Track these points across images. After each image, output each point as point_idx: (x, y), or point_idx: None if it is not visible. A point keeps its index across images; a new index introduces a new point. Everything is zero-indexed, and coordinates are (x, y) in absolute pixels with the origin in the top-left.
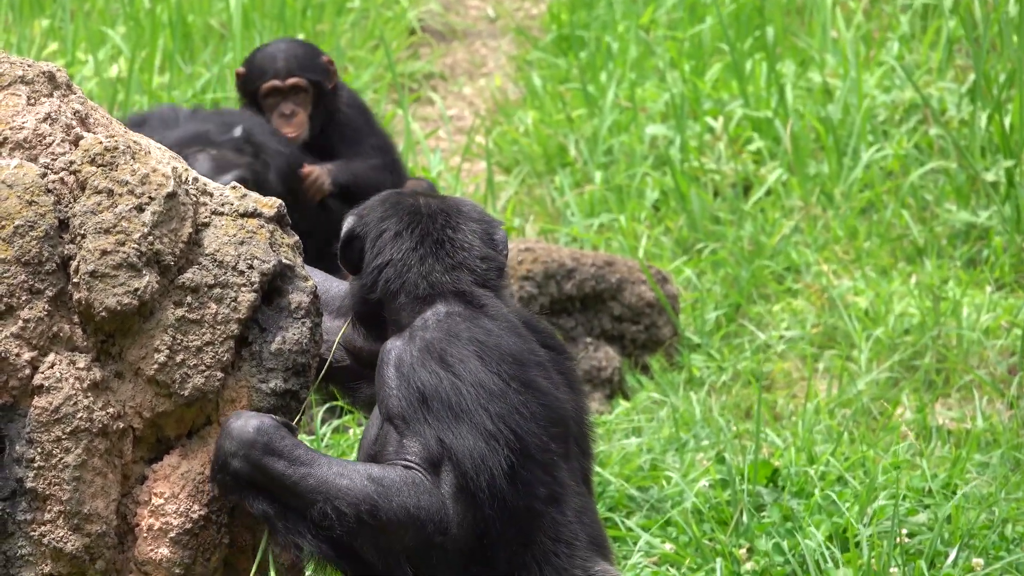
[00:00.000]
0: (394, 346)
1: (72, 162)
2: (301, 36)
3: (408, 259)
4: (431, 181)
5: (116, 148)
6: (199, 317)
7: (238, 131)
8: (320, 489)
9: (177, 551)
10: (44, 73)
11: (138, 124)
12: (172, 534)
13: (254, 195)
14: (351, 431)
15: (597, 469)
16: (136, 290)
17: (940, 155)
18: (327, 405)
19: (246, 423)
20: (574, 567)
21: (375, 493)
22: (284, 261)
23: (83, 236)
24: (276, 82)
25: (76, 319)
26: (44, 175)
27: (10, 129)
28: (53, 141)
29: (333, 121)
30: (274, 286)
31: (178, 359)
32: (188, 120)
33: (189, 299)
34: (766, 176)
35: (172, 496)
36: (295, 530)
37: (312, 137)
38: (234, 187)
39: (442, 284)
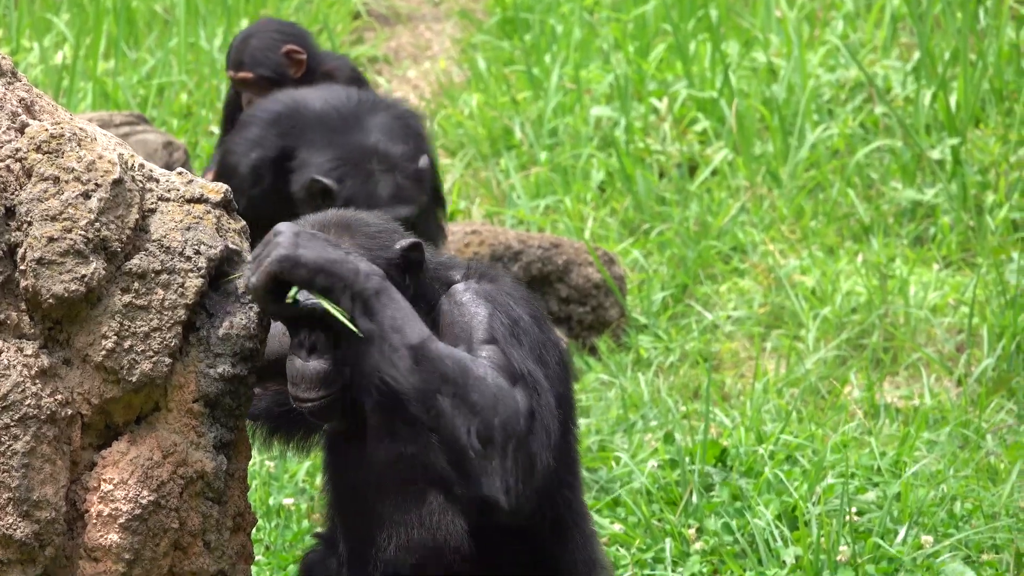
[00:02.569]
0: (470, 287)
1: (18, 149)
2: (245, 22)
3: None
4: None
5: (62, 135)
6: (146, 303)
7: (424, 161)
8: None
9: (126, 537)
10: None
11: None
12: (121, 520)
13: (200, 180)
14: None
15: None
16: (83, 277)
17: (885, 133)
18: None
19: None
20: (589, 526)
21: (470, 362)
22: (231, 246)
23: (29, 223)
24: (230, 72)
25: (23, 306)
26: None
27: None
28: None
29: None
30: (221, 271)
31: (126, 345)
32: (371, 113)
33: (136, 285)
34: (712, 156)
35: (121, 482)
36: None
37: None
38: (180, 173)
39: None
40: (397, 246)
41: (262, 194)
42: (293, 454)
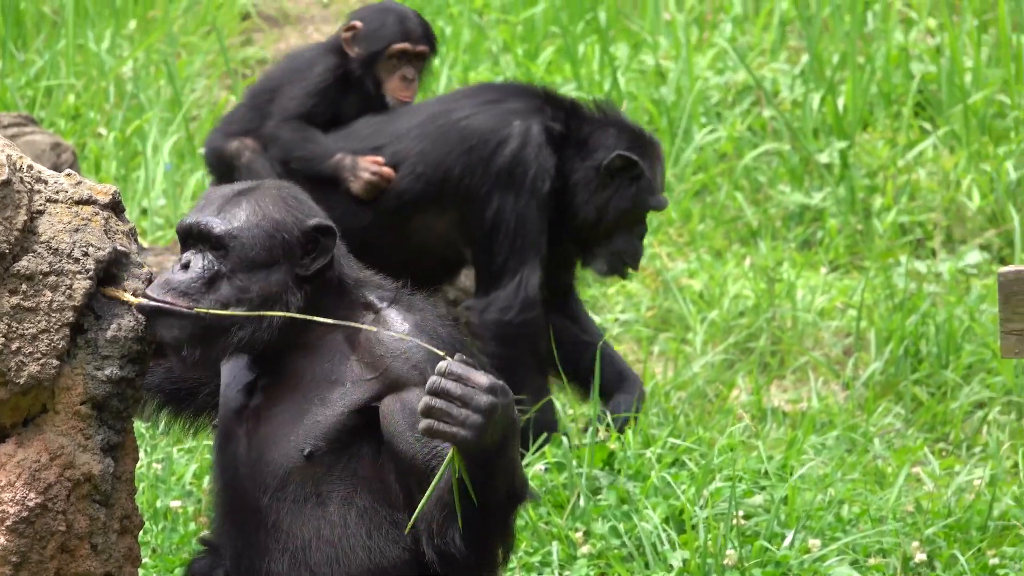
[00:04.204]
0: (405, 316)
1: None
2: (133, 23)
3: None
4: None
5: None
6: (34, 305)
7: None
8: None
9: (13, 539)
10: None
11: None
12: (8, 523)
13: (89, 182)
14: None
15: None
16: None
17: (773, 137)
18: None
19: None
20: None
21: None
22: (119, 248)
23: None
24: (407, 45)
25: None
26: None
27: None
28: None
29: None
30: (109, 273)
31: (13, 347)
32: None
33: (24, 287)
34: None
35: (8, 485)
36: None
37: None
38: (69, 174)
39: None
40: (313, 221)
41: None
42: (179, 430)
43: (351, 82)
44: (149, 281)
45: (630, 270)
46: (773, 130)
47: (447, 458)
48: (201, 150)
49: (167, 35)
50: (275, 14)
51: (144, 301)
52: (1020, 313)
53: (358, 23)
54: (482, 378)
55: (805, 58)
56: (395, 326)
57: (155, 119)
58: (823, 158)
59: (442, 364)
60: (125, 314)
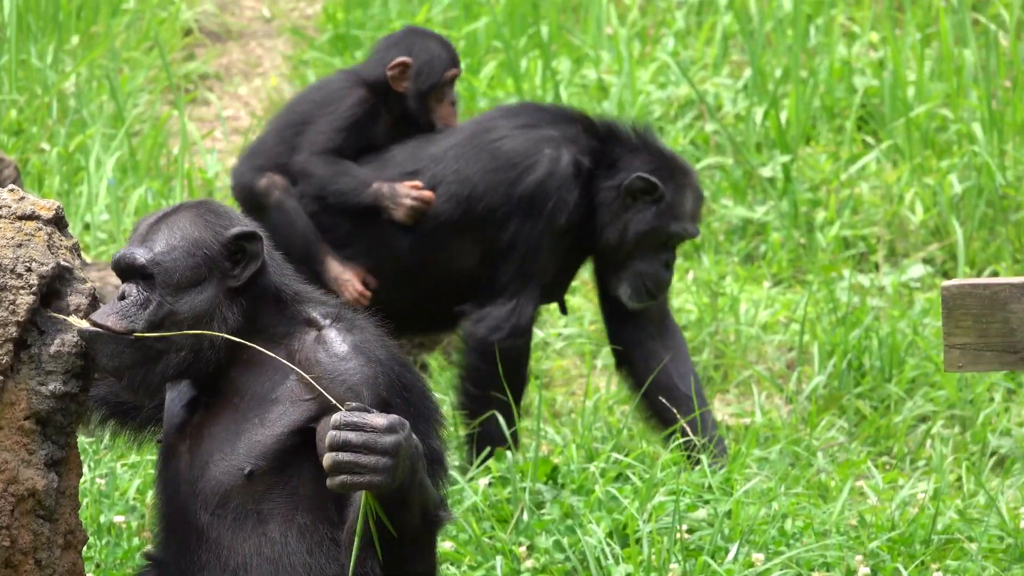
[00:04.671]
0: (345, 337)
1: None
2: (76, 39)
3: None
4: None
5: None
6: None
7: None
8: None
9: None
10: None
11: None
12: None
13: (32, 197)
14: None
15: None
16: None
17: (716, 151)
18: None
19: None
20: None
21: None
22: (62, 263)
23: None
24: (456, 70)
25: None
26: None
27: None
28: None
29: None
30: (52, 288)
31: None
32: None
33: None
34: None
35: None
36: None
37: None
38: (12, 190)
39: None
40: (233, 230)
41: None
42: (123, 443)
43: (379, 112)
44: (92, 296)
45: (654, 295)
46: (716, 144)
47: (361, 502)
48: (228, 181)
49: (109, 50)
50: (217, 29)
51: (85, 325)
52: (963, 327)
53: (407, 59)
54: (379, 419)
55: (748, 72)
56: (334, 346)
57: (98, 134)
58: (766, 172)
59: (336, 417)
60: (69, 329)
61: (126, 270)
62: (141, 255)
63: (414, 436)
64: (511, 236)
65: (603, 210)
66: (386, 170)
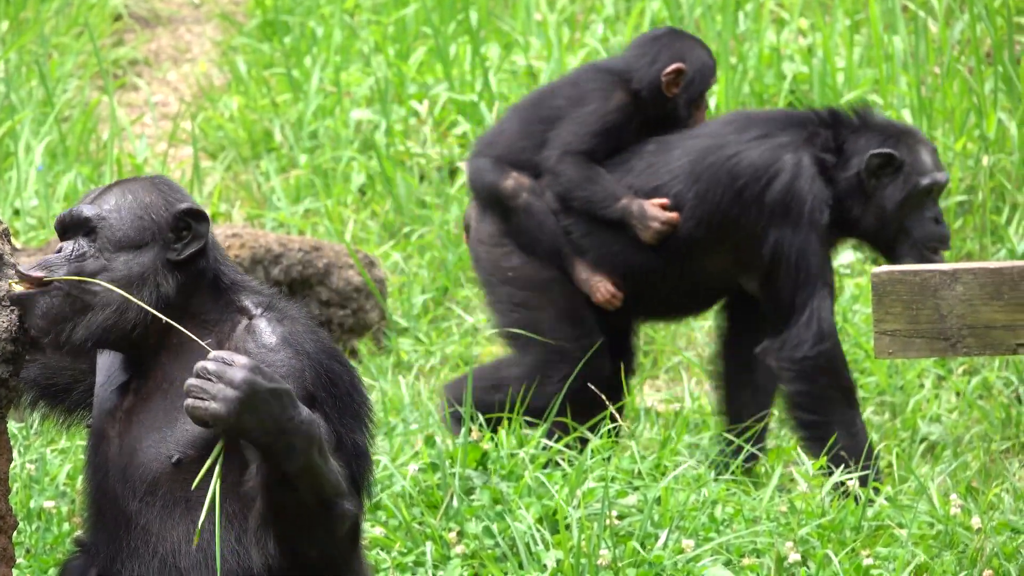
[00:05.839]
0: (274, 327)
1: None
2: (5, 24)
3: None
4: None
5: None
6: None
7: None
8: None
9: None
10: None
11: None
12: None
13: None
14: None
15: None
16: None
17: None
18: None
19: None
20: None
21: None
22: None
23: None
24: (716, 78)
25: None
26: None
27: None
28: None
29: None
30: None
31: None
32: None
33: None
34: None
35: None
36: None
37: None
38: None
39: None
40: (183, 205)
41: None
42: (53, 427)
43: (634, 117)
44: None
45: (943, 251)
46: None
47: (215, 449)
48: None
49: (39, 36)
50: (147, 15)
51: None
52: (893, 313)
53: (683, 66)
54: (242, 359)
55: None
56: (263, 336)
57: (27, 120)
58: None
59: (211, 353)
60: None
61: (70, 225)
62: (89, 210)
63: (320, 420)
64: (773, 248)
65: (851, 203)
66: (628, 178)
